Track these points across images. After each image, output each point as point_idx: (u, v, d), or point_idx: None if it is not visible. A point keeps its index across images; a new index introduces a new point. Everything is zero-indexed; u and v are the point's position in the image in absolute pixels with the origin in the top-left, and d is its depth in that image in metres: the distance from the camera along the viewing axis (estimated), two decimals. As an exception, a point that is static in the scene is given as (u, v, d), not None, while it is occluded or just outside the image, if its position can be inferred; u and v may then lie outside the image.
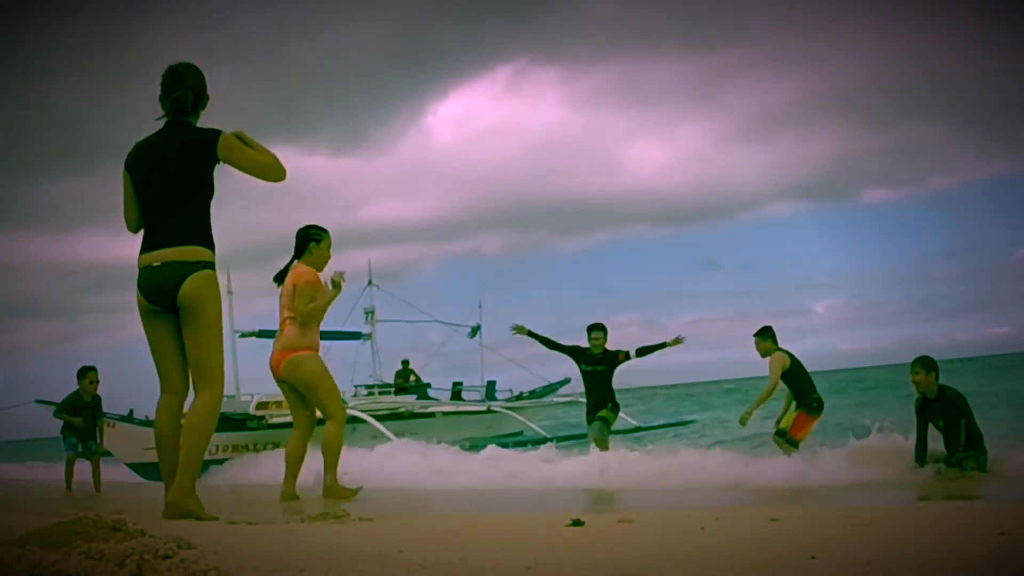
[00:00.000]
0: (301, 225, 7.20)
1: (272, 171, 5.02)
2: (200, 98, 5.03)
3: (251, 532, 3.91)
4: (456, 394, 22.36)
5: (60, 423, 10.90)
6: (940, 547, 3.18)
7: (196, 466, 4.89)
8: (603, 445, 10.54)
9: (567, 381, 20.06)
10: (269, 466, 10.86)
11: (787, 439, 9.64)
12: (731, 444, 12.12)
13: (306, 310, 6.95)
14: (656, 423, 22.41)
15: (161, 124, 5.04)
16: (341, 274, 7.17)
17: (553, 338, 11.08)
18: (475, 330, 22.96)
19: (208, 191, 4.93)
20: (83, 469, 10.77)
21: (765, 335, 10.02)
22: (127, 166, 5.04)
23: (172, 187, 4.88)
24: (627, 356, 10.87)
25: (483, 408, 20.37)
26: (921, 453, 8.22)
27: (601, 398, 10.84)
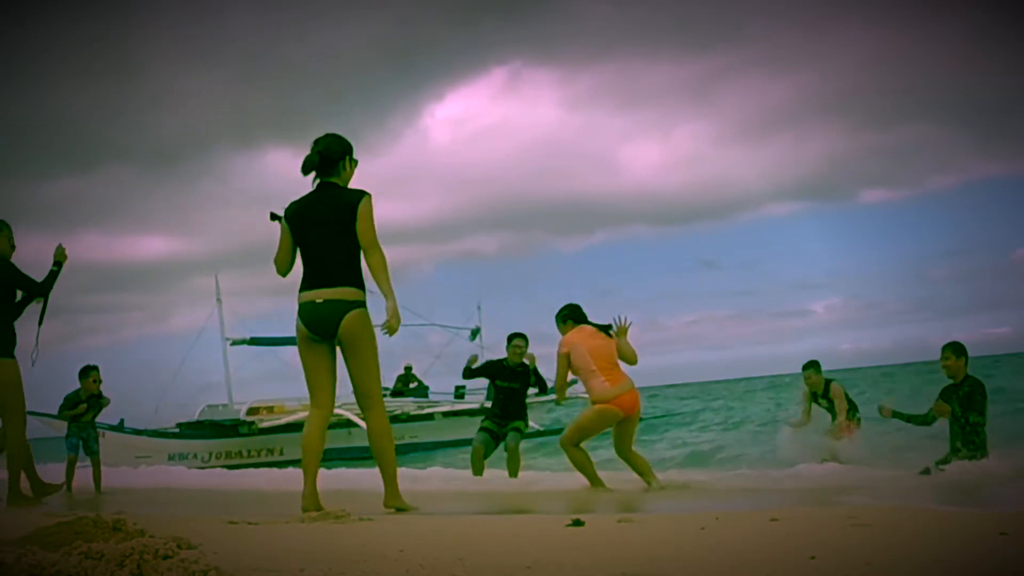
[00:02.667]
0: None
1: (374, 254, 5.66)
2: (331, 160, 5.70)
3: (251, 532, 3.91)
4: (459, 398, 22.33)
5: (61, 424, 10.91)
6: (940, 547, 3.18)
7: (394, 474, 5.89)
8: (515, 460, 9.69)
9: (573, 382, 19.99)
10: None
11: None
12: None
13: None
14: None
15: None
16: None
17: (486, 367, 10.36)
18: (475, 333, 22.94)
19: (358, 242, 5.65)
20: (82, 473, 10.75)
21: (819, 368, 10.30)
22: (288, 219, 5.76)
23: (330, 239, 5.64)
24: (537, 381, 10.25)
25: (479, 407, 20.35)
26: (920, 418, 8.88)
27: (516, 412, 10.01)
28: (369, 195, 5.65)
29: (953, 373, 8.55)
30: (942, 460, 8.36)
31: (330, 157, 5.71)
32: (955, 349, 8.56)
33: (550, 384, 9.60)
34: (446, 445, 18.34)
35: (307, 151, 5.75)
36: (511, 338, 10.16)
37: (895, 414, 9.08)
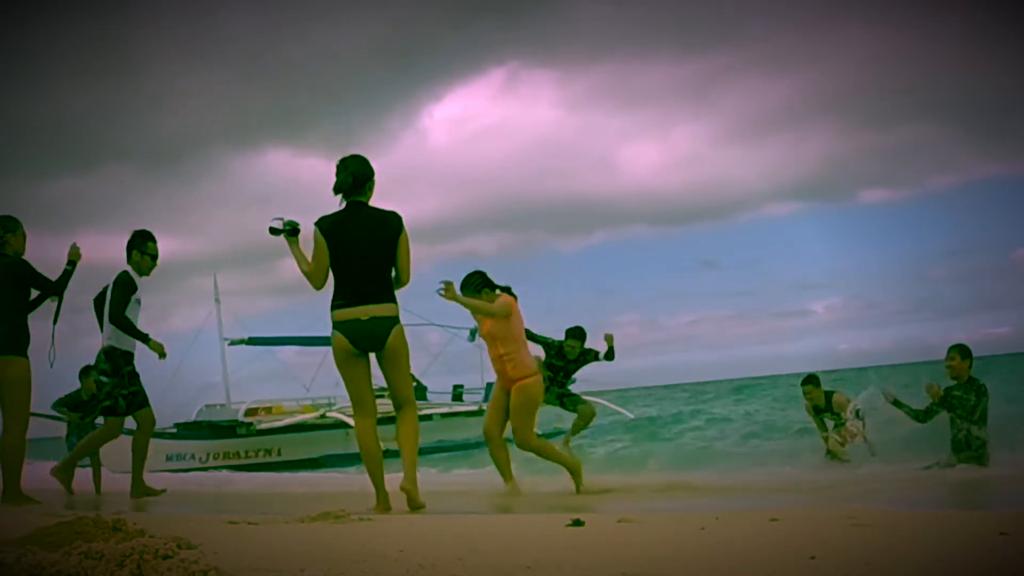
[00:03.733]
0: None
1: (407, 283, 6.17)
2: (360, 182, 6.04)
3: (251, 532, 3.92)
4: (457, 397, 22.29)
5: (61, 425, 10.90)
6: (940, 547, 3.18)
7: (415, 462, 6.18)
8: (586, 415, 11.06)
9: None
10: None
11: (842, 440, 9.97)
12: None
13: None
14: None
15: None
16: None
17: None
18: (474, 333, 22.81)
19: (393, 259, 6.06)
20: (82, 474, 10.74)
21: (817, 382, 10.29)
22: (325, 234, 6.01)
23: (371, 259, 5.99)
24: (595, 357, 10.93)
25: (477, 408, 20.30)
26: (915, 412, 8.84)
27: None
28: (402, 219, 6.07)
29: (956, 374, 8.57)
30: (944, 463, 8.36)
31: (359, 179, 6.05)
32: (961, 351, 8.58)
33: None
34: (445, 449, 18.30)
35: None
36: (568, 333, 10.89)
37: (896, 403, 8.99)
